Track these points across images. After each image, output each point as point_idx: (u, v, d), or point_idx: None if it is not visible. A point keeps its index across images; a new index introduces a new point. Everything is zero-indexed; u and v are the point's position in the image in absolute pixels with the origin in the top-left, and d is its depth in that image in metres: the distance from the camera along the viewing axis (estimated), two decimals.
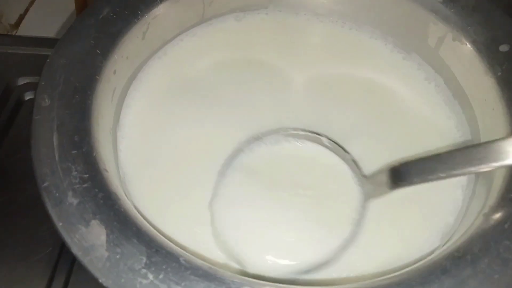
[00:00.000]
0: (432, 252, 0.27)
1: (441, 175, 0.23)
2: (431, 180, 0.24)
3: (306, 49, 0.38)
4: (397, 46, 0.37)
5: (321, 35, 0.38)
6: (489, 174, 0.27)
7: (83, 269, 0.22)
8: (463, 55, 0.32)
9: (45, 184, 0.23)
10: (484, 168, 0.22)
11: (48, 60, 0.28)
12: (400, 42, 0.37)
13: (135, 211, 0.24)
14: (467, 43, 0.32)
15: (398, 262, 0.26)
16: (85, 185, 0.23)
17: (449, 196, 0.30)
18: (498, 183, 0.25)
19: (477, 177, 0.29)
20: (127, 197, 0.26)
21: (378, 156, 0.31)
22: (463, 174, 0.24)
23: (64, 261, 0.35)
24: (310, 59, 0.37)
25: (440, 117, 0.34)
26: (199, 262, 0.22)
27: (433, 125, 0.33)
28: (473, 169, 0.22)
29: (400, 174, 0.25)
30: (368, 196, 0.29)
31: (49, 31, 0.53)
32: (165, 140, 0.31)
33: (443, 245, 0.25)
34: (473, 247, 0.22)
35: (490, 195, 0.25)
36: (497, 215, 0.23)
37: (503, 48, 0.30)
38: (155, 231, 0.23)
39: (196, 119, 0.33)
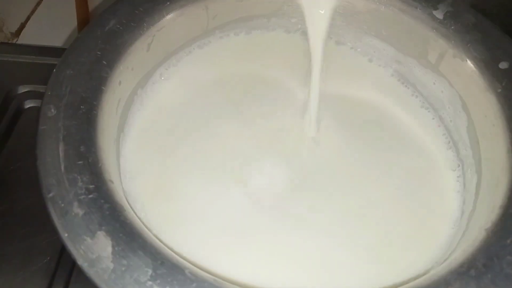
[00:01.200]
0: (431, 269, 0.27)
1: None
2: None
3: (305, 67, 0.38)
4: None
5: None
6: (490, 190, 0.27)
7: (81, 279, 0.22)
8: (463, 71, 0.33)
9: (51, 195, 0.23)
10: None
11: (54, 70, 0.28)
12: (400, 58, 0.37)
13: (140, 223, 0.24)
14: (467, 60, 0.32)
15: (397, 278, 0.27)
16: (90, 196, 0.23)
17: (449, 211, 0.30)
18: (499, 198, 0.26)
19: (477, 193, 0.29)
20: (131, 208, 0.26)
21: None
22: None
23: (62, 270, 0.35)
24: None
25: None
26: (204, 274, 0.22)
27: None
28: None
29: None
30: None
31: (50, 39, 0.53)
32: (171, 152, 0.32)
33: (444, 261, 0.25)
34: (477, 262, 0.23)
35: (492, 211, 0.25)
36: (499, 230, 0.24)
37: (503, 65, 0.31)
38: (160, 243, 0.23)
39: (200, 131, 0.33)
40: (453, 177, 0.32)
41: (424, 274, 0.25)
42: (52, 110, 0.26)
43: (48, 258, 0.36)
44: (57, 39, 0.53)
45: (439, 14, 0.34)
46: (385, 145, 0.34)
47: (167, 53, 0.35)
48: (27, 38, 0.55)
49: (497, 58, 0.31)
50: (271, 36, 0.39)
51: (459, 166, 0.33)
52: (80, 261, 0.22)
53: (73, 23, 0.55)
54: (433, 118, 0.36)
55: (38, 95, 0.43)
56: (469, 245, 0.24)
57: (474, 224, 0.27)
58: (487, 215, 0.25)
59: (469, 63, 0.32)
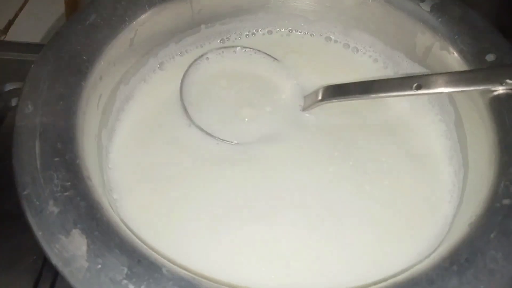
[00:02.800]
0: (419, 262, 0.27)
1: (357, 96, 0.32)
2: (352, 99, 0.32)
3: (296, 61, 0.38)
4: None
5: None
6: (476, 182, 0.27)
7: None
8: (450, 64, 0.32)
9: (26, 192, 0.23)
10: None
11: (32, 66, 0.28)
12: (388, 52, 0.37)
13: (119, 221, 0.23)
14: (454, 53, 0.32)
15: (384, 273, 0.26)
16: (66, 194, 0.23)
17: (436, 204, 0.30)
18: (485, 192, 0.25)
19: (464, 186, 0.29)
20: (112, 207, 0.25)
21: None
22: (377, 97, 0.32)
23: (48, 269, 0.34)
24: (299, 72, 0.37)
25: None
26: (182, 272, 0.22)
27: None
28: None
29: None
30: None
31: (38, 36, 0.52)
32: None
33: (430, 255, 0.25)
34: (460, 257, 0.22)
35: (477, 205, 0.25)
36: (484, 225, 0.23)
37: (489, 57, 0.30)
38: (139, 242, 0.23)
39: (186, 125, 0.33)
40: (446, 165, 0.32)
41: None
42: (29, 107, 0.26)
43: (35, 257, 0.35)
44: (45, 36, 0.53)
45: (426, 6, 0.33)
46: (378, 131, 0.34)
47: (151, 48, 0.35)
48: (15, 35, 0.54)
49: (484, 50, 0.31)
50: (259, 31, 0.39)
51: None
52: (54, 260, 0.21)
53: (62, 20, 0.54)
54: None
55: None
56: (454, 239, 0.24)
57: (460, 218, 0.27)
58: (472, 209, 0.25)
59: (456, 56, 0.32)
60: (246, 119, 0.34)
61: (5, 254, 0.35)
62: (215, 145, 0.32)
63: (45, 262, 0.35)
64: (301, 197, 0.30)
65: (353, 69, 0.38)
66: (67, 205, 0.23)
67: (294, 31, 0.39)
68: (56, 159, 0.24)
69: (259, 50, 0.37)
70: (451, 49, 0.32)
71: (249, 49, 0.37)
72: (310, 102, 0.34)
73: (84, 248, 0.21)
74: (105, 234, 0.22)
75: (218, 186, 0.30)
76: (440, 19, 0.33)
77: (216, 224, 0.28)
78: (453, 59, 0.32)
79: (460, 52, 0.31)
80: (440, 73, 0.30)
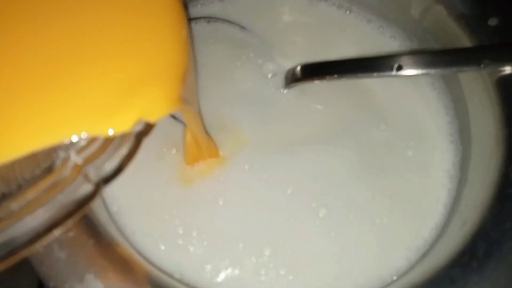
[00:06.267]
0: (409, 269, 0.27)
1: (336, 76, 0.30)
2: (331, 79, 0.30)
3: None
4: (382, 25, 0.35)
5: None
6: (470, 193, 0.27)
7: None
8: (450, 28, 0.30)
9: None
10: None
11: None
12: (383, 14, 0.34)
13: (132, 252, 0.22)
14: (454, 17, 0.30)
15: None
16: (71, 234, 0.21)
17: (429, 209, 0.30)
18: (493, 176, 0.25)
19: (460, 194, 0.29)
20: (119, 231, 0.24)
21: None
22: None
23: None
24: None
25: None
26: None
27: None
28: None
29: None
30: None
31: None
32: None
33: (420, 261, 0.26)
34: (478, 251, 0.23)
35: (485, 189, 0.25)
36: (497, 215, 0.23)
37: (492, 21, 0.29)
38: (157, 272, 0.22)
39: None
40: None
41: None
42: None
43: None
44: None
45: None
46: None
47: None
48: None
49: (486, 13, 0.29)
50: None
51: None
52: None
53: None
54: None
55: None
56: (466, 227, 0.24)
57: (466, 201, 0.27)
58: (480, 195, 0.25)
59: (456, 21, 0.30)
60: None
61: None
62: None
63: None
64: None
65: (346, 31, 0.35)
66: (74, 247, 0.21)
67: None
68: None
69: (224, 19, 0.34)
70: (450, 12, 0.30)
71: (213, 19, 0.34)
72: (290, 80, 0.32)
73: None
74: (121, 272, 0.21)
75: None
76: None
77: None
78: (453, 24, 0.30)
79: (461, 16, 0.29)
80: (422, 53, 0.30)
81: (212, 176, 0.30)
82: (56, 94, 0.19)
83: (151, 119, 0.19)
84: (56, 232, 0.17)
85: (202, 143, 0.28)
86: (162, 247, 0.26)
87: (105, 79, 0.19)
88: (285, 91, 0.33)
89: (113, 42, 0.20)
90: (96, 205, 0.24)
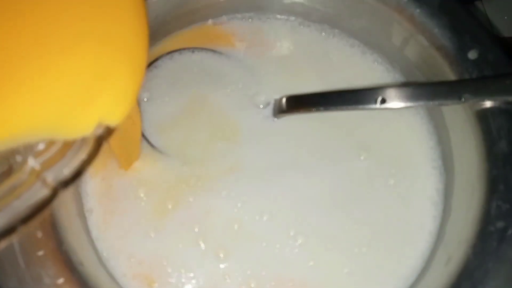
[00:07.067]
0: None
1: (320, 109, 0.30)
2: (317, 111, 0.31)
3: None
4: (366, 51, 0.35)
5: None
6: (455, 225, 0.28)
7: None
8: (431, 58, 0.31)
9: None
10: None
11: None
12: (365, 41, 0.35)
13: None
14: (434, 48, 0.30)
15: None
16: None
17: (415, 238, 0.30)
18: (475, 212, 0.26)
19: (444, 224, 0.29)
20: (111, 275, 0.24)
21: None
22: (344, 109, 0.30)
23: None
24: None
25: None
26: None
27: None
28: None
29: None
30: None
31: None
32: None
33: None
34: None
35: (468, 225, 0.26)
36: (480, 253, 0.24)
37: (472, 55, 0.29)
38: None
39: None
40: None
41: None
42: None
43: None
44: None
45: None
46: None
47: None
48: None
49: (465, 45, 0.29)
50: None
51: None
52: None
53: None
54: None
55: None
56: (451, 263, 0.25)
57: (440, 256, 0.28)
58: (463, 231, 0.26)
59: (436, 52, 0.30)
60: None
61: None
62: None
63: None
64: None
65: (329, 57, 0.36)
66: None
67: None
68: (40, 252, 0.22)
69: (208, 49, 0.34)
70: (431, 43, 0.30)
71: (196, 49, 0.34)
72: (278, 111, 0.33)
73: None
74: None
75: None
76: (418, 10, 0.31)
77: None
78: (435, 54, 0.30)
79: (441, 47, 0.30)
80: (405, 86, 0.31)
81: (186, 204, 0.30)
82: (11, 96, 0.17)
83: (112, 120, 0.18)
84: (12, 238, 0.16)
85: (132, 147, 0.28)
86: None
87: (64, 79, 0.18)
88: (275, 119, 0.33)
89: (71, 37, 0.18)
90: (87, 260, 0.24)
